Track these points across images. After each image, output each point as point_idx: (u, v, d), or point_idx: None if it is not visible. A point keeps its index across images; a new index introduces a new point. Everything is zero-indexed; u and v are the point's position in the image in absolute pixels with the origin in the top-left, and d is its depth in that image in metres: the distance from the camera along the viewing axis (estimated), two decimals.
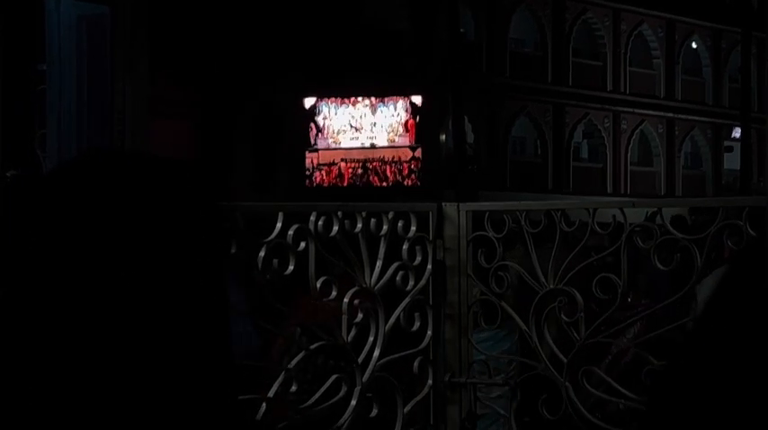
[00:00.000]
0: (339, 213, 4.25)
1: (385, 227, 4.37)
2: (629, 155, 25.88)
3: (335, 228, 4.20)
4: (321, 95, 20.63)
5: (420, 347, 4.59)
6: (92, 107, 3.04)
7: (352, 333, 4.33)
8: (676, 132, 26.68)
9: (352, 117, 21.19)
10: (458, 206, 4.47)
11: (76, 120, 2.95)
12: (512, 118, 23.03)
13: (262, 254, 3.89)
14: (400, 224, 4.43)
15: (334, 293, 4.20)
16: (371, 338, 4.41)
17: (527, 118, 23.35)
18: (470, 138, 21.52)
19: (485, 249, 4.42)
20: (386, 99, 20.98)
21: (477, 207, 4.44)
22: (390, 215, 4.40)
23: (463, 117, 20.63)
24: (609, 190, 25.25)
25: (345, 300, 4.27)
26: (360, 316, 4.38)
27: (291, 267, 4.00)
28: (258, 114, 19.18)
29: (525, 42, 23.77)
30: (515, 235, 4.38)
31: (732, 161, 26.91)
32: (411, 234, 4.45)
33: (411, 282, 4.47)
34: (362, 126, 21.32)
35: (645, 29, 25.92)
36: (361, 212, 4.31)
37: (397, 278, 4.44)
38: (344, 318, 4.27)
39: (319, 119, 21.21)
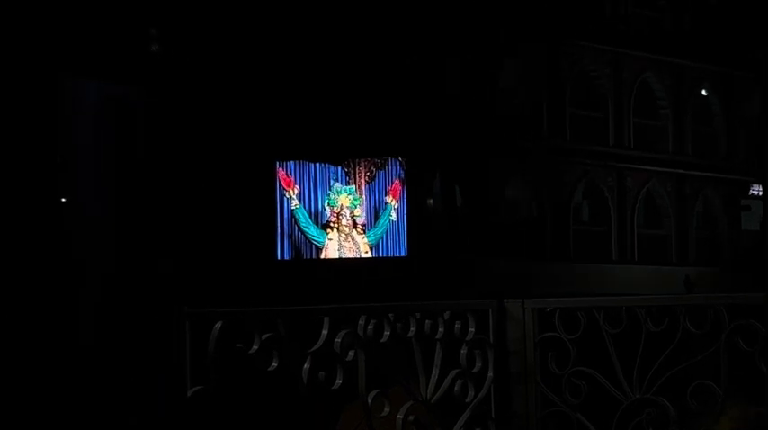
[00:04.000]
0: (390, 315, 4.24)
1: (441, 329, 4.37)
2: (635, 216, 26.26)
3: (387, 333, 4.19)
4: None
5: None
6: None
7: None
8: (687, 190, 27.21)
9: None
10: (522, 303, 4.50)
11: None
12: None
13: (307, 366, 3.84)
14: (457, 325, 4.43)
15: (387, 409, 4.17)
16: None
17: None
18: (459, 201, 21.73)
19: (555, 352, 4.42)
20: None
21: (545, 304, 4.45)
22: (446, 315, 4.40)
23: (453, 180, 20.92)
24: (614, 256, 25.55)
25: (400, 416, 4.23)
26: None
27: (340, 381, 3.96)
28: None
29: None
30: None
31: (751, 221, 27.34)
32: (469, 336, 4.46)
33: (471, 393, 4.45)
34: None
35: (649, 76, 26.62)
36: (415, 313, 4.31)
37: (456, 387, 4.42)
38: None
39: None
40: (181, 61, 17.12)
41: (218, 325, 3.26)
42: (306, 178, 21.79)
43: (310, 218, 21.56)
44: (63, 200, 10.47)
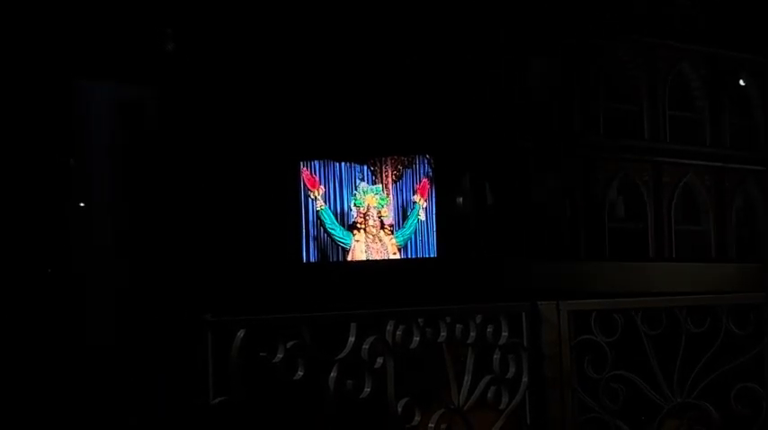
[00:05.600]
0: (420, 320, 4.22)
1: (472, 333, 4.34)
2: (672, 212, 26.09)
3: (416, 338, 4.17)
4: None
5: None
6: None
7: None
8: (726, 184, 27.01)
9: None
10: (557, 305, 4.46)
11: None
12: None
13: (333, 374, 3.82)
14: (489, 329, 4.41)
15: (417, 418, 4.14)
16: None
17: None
18: (490, 199, 21.67)
19: (592, 356, 4.38)
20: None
21: (581, 306, 4.40)
22: (478, 319, 4.37)
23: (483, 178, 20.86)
24: (651, 254, 25.42)
25: (431, 425, 4.21)
26: None
27: (368, 389, 3.94)
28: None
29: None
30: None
31: None
32: (502, 340, 4.43)
33: (505, 399, 4.42)
34: None
35: (684, 67, 26.44)
36: (445, 318, 4.28)
37: (489, 394, 4.39)
38: None
39: None
40: (198, 60, 17.19)
41: (241, 333, 3.25)
42: (331, 178, 21.81)
43: (336, 219, 21.58)
44: (82, 205, 10.55)
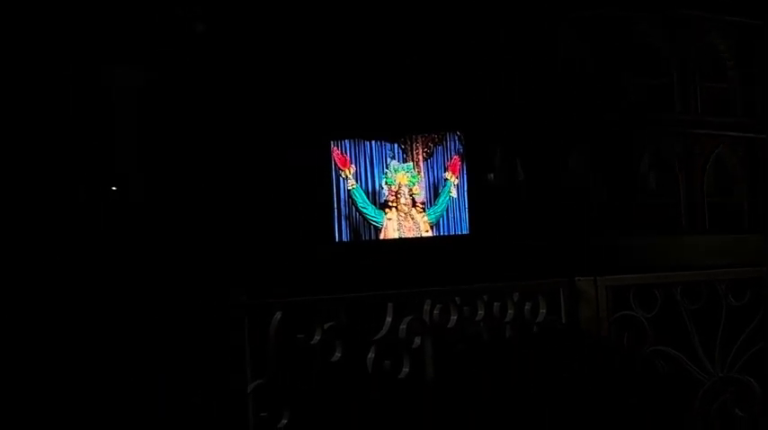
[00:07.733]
0: (457, 299, 4.17)
1: (510, 311, 4.29)
2: (704, 184, 25.86)
3: (453, 317, 4.13)
4: None
5: None
6: None
7: None
8: (759, 155, 26.68)
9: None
10: (595, 280, 4.39)
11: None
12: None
13: (371, 355, 3.79)
14: (527, 307, 4.36)
15: None
16: None
17: None
18: (521, 175, 21.56)
19: (631, 332, 4.32)
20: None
21: (620, 281, 4.33)
22: (515, 297, 4.32)
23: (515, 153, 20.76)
24: (684, 226, 25.20)
25: None
26: None
27: (406, 369, 3.91)
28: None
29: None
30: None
31: None
32: (540, 318, 4.38)
33: None
34: None
35: (713, 37, 26.10)
36: (483, 296, 4.23)
37: None
38: None
39: None
40: (226, 41, 17.13)
41: (278, 315, 3.21)
42: (362, 157, 21.76)
43: (368, 197, 21.55)
44: (114, 188, 10.53)
